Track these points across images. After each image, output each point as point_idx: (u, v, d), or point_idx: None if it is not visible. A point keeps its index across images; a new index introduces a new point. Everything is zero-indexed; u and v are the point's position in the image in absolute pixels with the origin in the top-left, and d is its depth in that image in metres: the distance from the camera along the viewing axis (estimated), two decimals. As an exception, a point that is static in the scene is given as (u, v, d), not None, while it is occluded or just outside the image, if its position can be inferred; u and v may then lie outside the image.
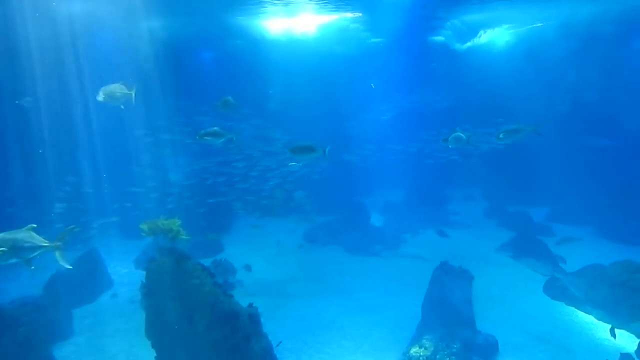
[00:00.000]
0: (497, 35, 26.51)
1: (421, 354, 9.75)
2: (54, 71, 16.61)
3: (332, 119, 23.33)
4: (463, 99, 25.37)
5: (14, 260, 6.15)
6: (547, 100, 23.59)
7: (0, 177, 16.26)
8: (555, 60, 23.70)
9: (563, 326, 11.86)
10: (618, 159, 21.25)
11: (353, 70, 24.89)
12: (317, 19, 22.89)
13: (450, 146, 10.95)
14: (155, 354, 8.56)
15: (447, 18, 23.28)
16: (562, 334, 11.41)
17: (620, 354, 9.80)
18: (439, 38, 26.63)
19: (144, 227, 8.52)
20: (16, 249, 6.12)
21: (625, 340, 10.90)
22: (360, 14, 21.82)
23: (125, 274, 15.30)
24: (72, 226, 6.93)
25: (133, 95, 9.99)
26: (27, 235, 6.32)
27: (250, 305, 8.65)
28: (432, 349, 9.82)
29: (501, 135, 10.21)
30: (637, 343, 9.91)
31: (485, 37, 26.34)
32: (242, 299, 8.70)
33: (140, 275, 9.92)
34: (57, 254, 6.56)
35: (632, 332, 11.13)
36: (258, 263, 15.91)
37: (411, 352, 9.85)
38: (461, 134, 10.66)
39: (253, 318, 8.47)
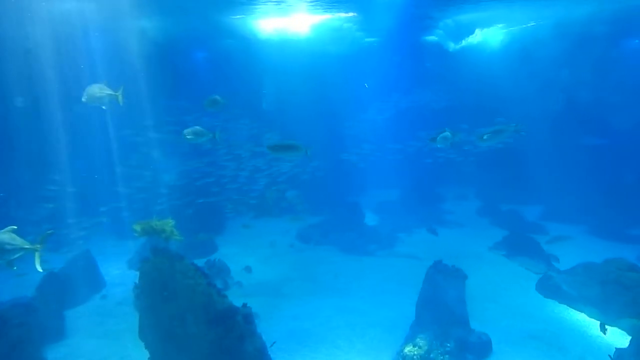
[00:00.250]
0: (490, 35, 26.63)
1: (415, 352, 9.78)
2: (43, 71, 16.49)
3: (326, 119, 23.31)
4: (459, 99, 25.44)
5: None
6: (541, 100, 23.72)
7: None
8: (549, 59, 23.84)
9: (556, 324, 11.93)
10: (610, 157, 21.42)
11: (347, 70, 24.89)
12: (310, 19, 22.86)
13: (438, 146, 10.95)
14: (148, 355, 8.53)
15: (440, 18, 23.33)
16: (554, 332, 11.48)
17: (616, 349, 9.87)
18: (432, 38, 26.70)
19: (136, 227, 8.49)
20: None
21: (616, 337, 10.99)
22: (354, 14, 21.83)
23: (118, 274, 15.22)
24: (49, 231, 6.92)
25: (119, 96, 9.94)
26: (8, 237, 6.30)
27: (244, 305, 8.64)
28: (426, 347, 9.85)
29: (485, 137, 10.31)
30: (628, 340, 9.99)
31: (479, 36, 26.44)
32: (236, 299, 8.68)
33: (133, 276, 9.90)
34: (36, 256, 6.54)
35: (622, 329, 11.23)
36: (252, 263, 15.87)
37: (405, 351, 9.88)
38: (449, 134, 10.64)
39: (247, 318, 8.45)
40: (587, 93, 23.05)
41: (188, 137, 10.74)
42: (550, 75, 24.34)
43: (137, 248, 15.81)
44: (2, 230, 6.32)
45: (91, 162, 17.85)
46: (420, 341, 10.00)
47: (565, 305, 12.83)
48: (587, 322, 11.98)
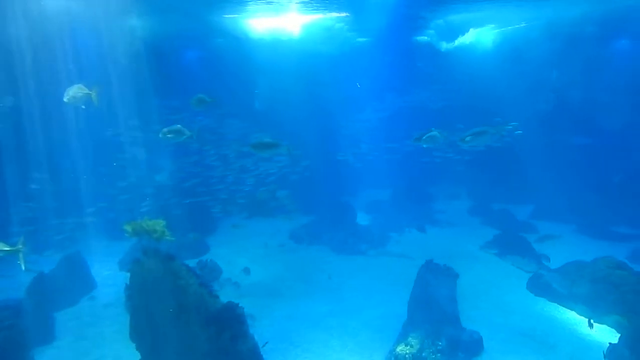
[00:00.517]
0: (482, 35, 26.76)
1: (407, 351, 9.81)
2: (29, 70, 16.30)
3: (318, 119, 23.30)
4: (452, 99, 25.51)
5: None
6: (532, 100, 23.88)
7: None
8: (540, 60, 24.02)
9: (546, 322, 12.03)
10: (599, 157, 21.64)
11: (338, 69, 24.90)
12: (302, 18, 22.84)
13: (424, 146, 10.99)
14: (140, 357, 8.47)
15: (431, 18, 23.41)
16: (545, 330, 11.58)
17: (610, 344, 9.99)
18: (424, 38, 26.78)
19: (127, 228, 8.42)
20: None
21: (605, 334, 11.11)
22: (346, 14, 21.85)
23: (109, 275, 15.11)
24: (21, 238, 6.87)
25: (93, 95, 9.91)
26: None
27: (237, 305, 8.61)
28: (418, 346, 9.89)
29: (467, 139, 10.46)
30: (617, 337, 10.12)
31: (470, 36, 26.58)
32: (228, 300, 8.65)
33: (124, 277, 9.82)
34: (20, 257, 6.49)
35: (609, 325, 11.35)
36: (245, 263, 15.81)
37: (397, 350, 9.91)
38: (437, 134, 10.66)
39: (239, 319, 8.43)
40: (577, 93, 23.26)
41: (167, 136, 10.70)
42: (541, 75, 24.53)
43: (128, 249, 15.70)
44: None
45: (79, 162, 17.68)
46: (412, 340, 10.03)
47: (555, 304, 12.94)
48: (577, 320, 12.09)
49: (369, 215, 21.68)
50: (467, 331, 10.65)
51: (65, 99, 9.82)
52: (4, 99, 15.84)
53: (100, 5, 16.43)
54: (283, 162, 19.34)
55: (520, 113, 21.38)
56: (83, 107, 10.16)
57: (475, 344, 10.49)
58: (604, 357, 9.45)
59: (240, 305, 8.63)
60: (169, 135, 10.72)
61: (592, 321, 10.95)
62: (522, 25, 24.84)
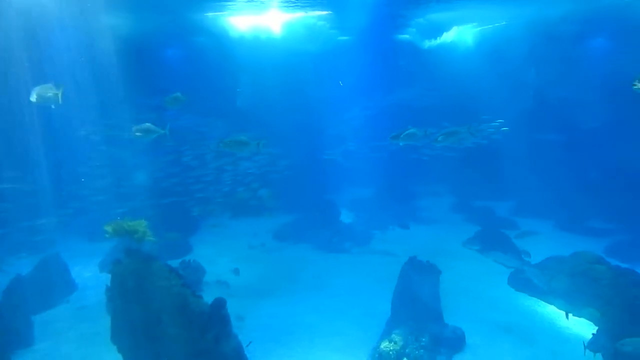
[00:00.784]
0: (463, 34, 27.01)
1: (391, 348, 9.88)
2: (1, 68, 15.91)
3: (300, 117, 23.24)
4: (436, 98, 25.64)
5: None
6: (512, 98, 24.17)
7: None
8: (519, 58, 24.34)
9: (527, 316, 12.26)
10: (576, 154, 22.03)
11: (320, 68, 24.87)
12: (283, 16, 22.77)
13: (401, 144, 11.09)
14: (121, 359, 8.36)
15: (412, 16, 23.53)
16: (526, 324, 11.79)
17: (592, 334, 10.22)
18: (405, 36, 26.92)
19: (108, 228, 8.30)
20: None
21: (584, 327, 11.36)
22: (327, 12, 21.84)
23: (89, 277, 14.87)
24: None
25: (60, 95, 9.69)
26: None
27: (221, 305, 8.55)
28: (401, 343, 9.97)
29: (439, 138, 10.80)
30: (595, 329, 10.38)
31: (452, 35, 26.81)
32: (212, 300, 8.59)
33: (105, 278, 9.67)
34: None
35: (587, 318, 11.59)
36: (228, 263, 15.74)
37: (381, 347, 9.97)
38: (415, 131, 10.72)
39: (223, 319, 8.38)
40: (555, 91, 23.64)
41: (137, 134, 10.49)
42: (521, 73, 24.86)
43: (109, 250, 15.46)
44: None
45: (55, 161, 17.33)
46: (396, 337, 10.11)
47: (536, 298, 13.18)
48: (556, 314, 12.32)
49: (352, 213, 21.74)
50: (449, 327, 10.78)
51: (32, 99, 9.54)
52: None
53: (75, 2, 16.09)
54: (263, 161, 19.25)
55: (501, 111, 21.64)
56: (53, 107, 9.89)
57: (458, 340, 10.63)
58: (585, 347, 9.67)
59: (225, 305, 8.58)
60: (137, 134, 10.47)
61: (569, 314, 11.20)
62: (502, 23, 25.15)
